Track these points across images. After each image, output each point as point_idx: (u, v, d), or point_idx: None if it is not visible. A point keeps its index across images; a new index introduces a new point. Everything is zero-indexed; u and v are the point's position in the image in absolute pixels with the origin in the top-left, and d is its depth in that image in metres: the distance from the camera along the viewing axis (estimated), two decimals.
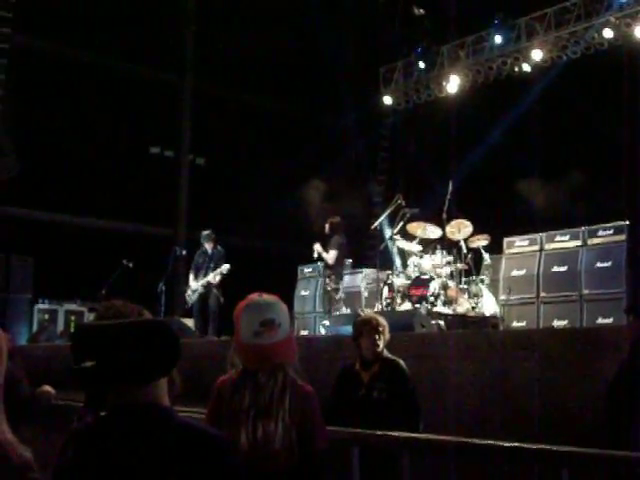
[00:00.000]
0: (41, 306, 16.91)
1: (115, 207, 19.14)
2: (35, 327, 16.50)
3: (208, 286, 13.35)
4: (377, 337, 6.17)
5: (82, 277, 16.55)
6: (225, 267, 13.29)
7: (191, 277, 13.70)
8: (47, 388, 6.36)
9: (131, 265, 14.12)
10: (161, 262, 14.16)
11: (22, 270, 16.91)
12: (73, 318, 17.00)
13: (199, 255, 13.78)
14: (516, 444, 3.51)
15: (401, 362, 6.24)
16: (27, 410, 5.56)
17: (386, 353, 6.27)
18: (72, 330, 15.86)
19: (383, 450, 4.12)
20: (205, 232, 13.96)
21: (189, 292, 13.57)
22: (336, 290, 13.21)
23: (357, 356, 6.31)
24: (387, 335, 6.26)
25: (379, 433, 4.11)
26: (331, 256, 13.04)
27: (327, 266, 13.26)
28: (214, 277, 13.31)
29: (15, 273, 16.79)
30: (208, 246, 13.66)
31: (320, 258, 13.27)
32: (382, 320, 6.32)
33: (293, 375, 3.58)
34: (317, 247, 13.10)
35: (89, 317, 16.93)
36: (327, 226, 13.20)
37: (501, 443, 3.46)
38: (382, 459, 3.98)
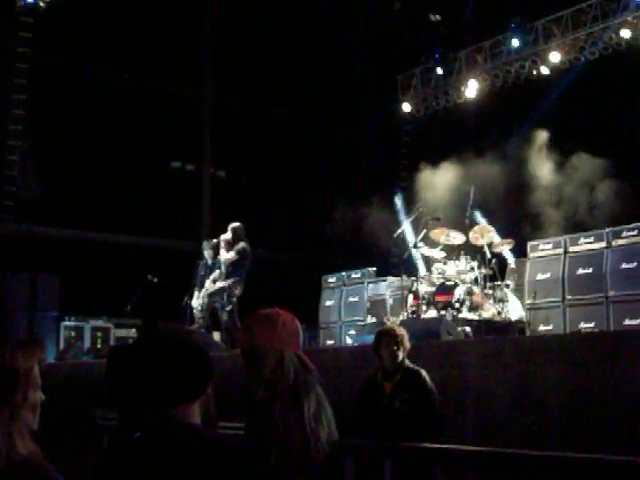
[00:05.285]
0: (67, 323, 16.97)
1: (138, 223, 19.21)
2: (62, 344, 16.57)
3: (211, 297, 13.21)
4: (396, 348, 6.23)
5: (107, 293, 16.61)
6: (216, 273, 13.07)
7: (195, 293, 13.32)
8: None
9: (156, 280, 14.14)
10: (186, 276, 14.19)
11: (48, 288, 17.00)
12: (99, 334, 17.05)
13: (201, 267, 13.50)
14: (551, 453, 3.49)
15: (423, 372, 6.27)
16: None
17: (407, 363, 6.31)
18: (99, 347, 15.95)
19: (415, 462, 4.11)
20: (205, 242, 13.86)
21: (195, 311, 13.29)
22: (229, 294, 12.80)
23: (379, 366, 6.36)
24: (407, 345, 6.30)
25: (413, 445, 4.10)
26: (229, 256, 12.73)
27: (227, 269, 12.84)
28: (210, 285, 13.15)
29: (41, 291, 16.89)
30: (208, 256, 13.43)
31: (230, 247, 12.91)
32: (401, 330, 6.38)
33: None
34: (223, 237, 12.86)
35: (115, 333, 17.02)
36: (230, 232, 12.91)
37: (535, 453, 3.44)
38: (414, 472, 3.95)
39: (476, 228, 13.10)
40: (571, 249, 12.40)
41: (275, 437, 3.36)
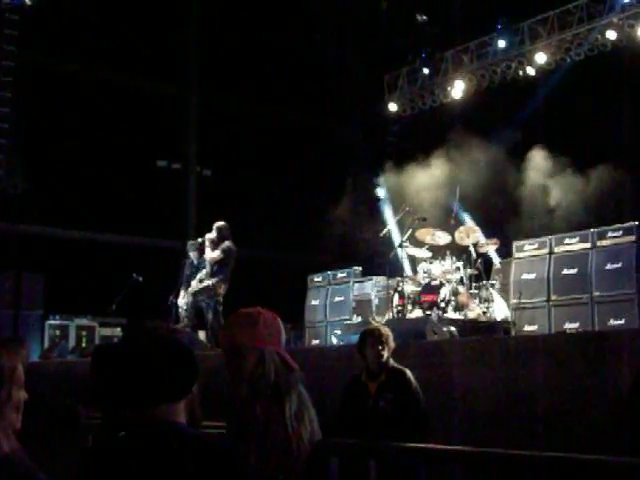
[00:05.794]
0: (52, 322, 16.91)
1: (124, 221, 19.17)
2: (46, 343, 16.51)
3: (196, 295, 13.13)
4: (381, 348, 6.21)
5: (93, 292, 16.57)
6: (203, 272, 12.97)
7: (181, 292, 13.19)
8: None
9: (141, 279, 14.08)
10: (171, 275, 14.15)
11: (33, 286, 16.92)
12: (84, 333, 17.00)
13: (187, 267, 13.35)
14: (536, 452, 3.50)
15: (407, 372, 6.26)
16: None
17: (392, 362, 6.30)
18: (84, 346, 15.90)
19: (400, 462, 4.11)
20: (190, 242, 13.80)
21: (180, 310, 13.21)
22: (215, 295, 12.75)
23: (363, 367, 6.35)
24: (391, 345, 6.29)
25: (398, 444, 4.10)
26: (214, 255, 12.66)
27: (212, 268, 12.78)
28: (196, 285, 13.08)
29: (26, 289, 16.80)
30: (194, 256, 13.29)
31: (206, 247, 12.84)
32: (385, 330, 6.36)
33: None
34: (208, 236, 12.81)
35: (100, 332, 16.97)
36: (215, 231, 12.84)
37: (520, 452, 3.45)
38: (399, 471, 3.96)
39: (462, 228, 13.12)
40: (556, 249, 12.43)
41: (256, 436, 3.35)
